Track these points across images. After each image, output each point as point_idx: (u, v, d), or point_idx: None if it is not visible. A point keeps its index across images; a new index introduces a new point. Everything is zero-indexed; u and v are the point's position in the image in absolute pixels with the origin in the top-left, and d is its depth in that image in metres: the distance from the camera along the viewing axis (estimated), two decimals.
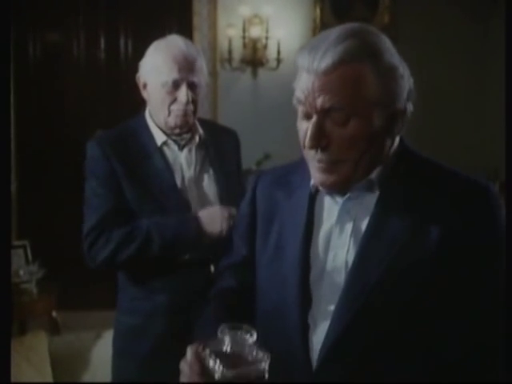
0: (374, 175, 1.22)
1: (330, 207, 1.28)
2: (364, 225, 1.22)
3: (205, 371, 1.09)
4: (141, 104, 2.17)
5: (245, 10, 4.86)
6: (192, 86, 2.01)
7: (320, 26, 5.08)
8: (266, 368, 1.08)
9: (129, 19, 5.01)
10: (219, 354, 1.09)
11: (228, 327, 1.10)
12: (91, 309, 4.28)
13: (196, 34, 4.89)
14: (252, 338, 1.09)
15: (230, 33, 4.89)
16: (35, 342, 2.79)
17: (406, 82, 1.20)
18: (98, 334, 2.92)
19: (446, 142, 4.75)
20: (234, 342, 1.09)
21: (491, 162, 4.42)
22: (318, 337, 1.22)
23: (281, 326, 1.27)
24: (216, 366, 1.08)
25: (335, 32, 1.17)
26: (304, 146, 1.21)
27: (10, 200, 4.39)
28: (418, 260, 1.17)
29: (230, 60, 4.95)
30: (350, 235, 1.23)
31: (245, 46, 4.96)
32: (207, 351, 1.10)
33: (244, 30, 4.91)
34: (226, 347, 1.09)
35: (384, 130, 1.19)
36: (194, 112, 2.05)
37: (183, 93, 1.98)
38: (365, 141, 1.17)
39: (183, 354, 2.11)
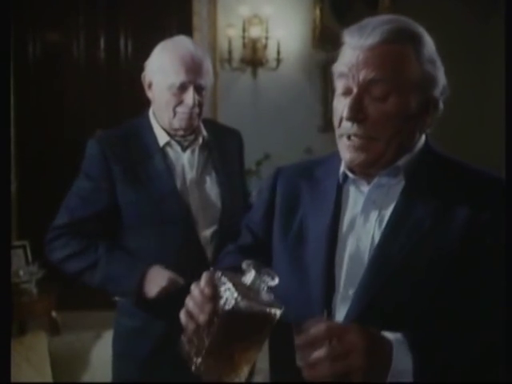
0: (400, 162, 1.26)
1: (356, 197, 1.31)
2: (388, 213, 1.26)
3: (216, 298, 1.09)
4: (141, 104, 2.16)
5: (244, 10, 4.86)
6: (198, 89, 1.99)
7: (320, 27, 5.08)
8: (277, 317, 1.08)
9: (128, 19, 5.00)
10: (236, 284, 1.08)
11: (253, 263, 1.10)
12: (91, 309, 4.27)
13: (196, 34, 4.88)
14: (273, 282, 1.09)
15: (230, 33, 4.88)
16: (35, 343, 2.79)
17: (442, 76, 1.27)
18: (97, 334, 2.92)
19: (446, 141, 4.75)
20: (255, 278, 1.09)
21: (491, 162, 4.42)
22: (339, 318, 1.24)
23: (301, 311, 1.27)
24: (230, 295, 1.06)
25: (384, 16, 1.27)
26: (339, 124, 1.25)
27: (10, 200, 4.38)
28: (439, 248, 1.20)
29: (229, 60, 4.95)
30: (375, 223, 1.27)
31: (244, 46, 4.96)
32: (224, 278, 1.09)
33: (244, 30, 4.91)
34: (247, 281, 1.09)
35: (418, 114, 1.24)
36: (199, 114, 2.03)
37: (190, 96, 1.97)
38: (399, 120, 1.22)
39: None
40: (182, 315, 1.15)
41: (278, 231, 1.39)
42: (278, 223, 1.40)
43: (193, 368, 1.09)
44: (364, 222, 1.28)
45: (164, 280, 1.89)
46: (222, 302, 1.07)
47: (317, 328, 1.06)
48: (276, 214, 1.41)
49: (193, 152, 2.09)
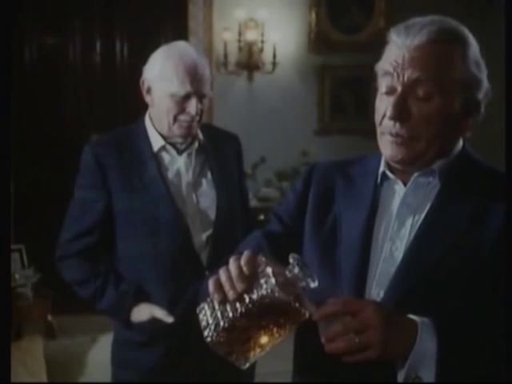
0: (435, 166, 1.26)
1: (392, 199, 1.31)
2: (422, 217, 1.26)
3: (251, 278, 1.06)
4: (137, 107, 2.16)
5: (240, 14, 4.87)
6: (201, 98, 1.98)
7: (315, 30, 5.10)
8: (305, 318, 1.07)
9: (124, 23, 5.01)
10: (276, 274, 1.06)
11: (300, 259, 1.08)
12: (87, 313, 4.24)
13: (191, 38, 4.88)
14: (313, 284, 1.07)
15: (226, 36, 4.89)
16: (31, 347, 2.78)
17: (486, 80, 1.26)
18: (93, 338, 2.91)
19: None
20: (297, 273, 1.07)
21: (491, 162, 4.42)
22: None
23: None
24: (268, 281, 1.04)
25: (429, 17, 1.24)
26: (381, 122, 1.25)
27: (10, 204, 4.37)
28: (471, 253, 1.19)
29: (225, 64, 4.96)
30: (410, 228, 1.26)
31: (240, 49, 4.97)
32: (266, 263, 1.08)
33: (240, 34, 4.92)
34: (288, 273, 1.07)
35: (460, 116, 1.24)
36: (199, 121, 2.03)
37: (193, 105, 1.95)
38: (442, 121, 1.21)
39: (185, 365, 2.09)
40: (211, 283, 1.10)
41: (309, 226, 1.38)
42: (311, 218, 1.38)
43: (205, 338, 1.07)
44: (398, 227, 1.27)
45: (147, 321, 2.02)
46: (257, 285, 1.05)
47: (334, 303, 1.07)
48: (309, 208, 1.40)
49: (189, 155, 2.08)
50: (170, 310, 2.00)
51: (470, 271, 1.18)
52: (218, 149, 2.14)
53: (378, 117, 1.27)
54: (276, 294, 1.04)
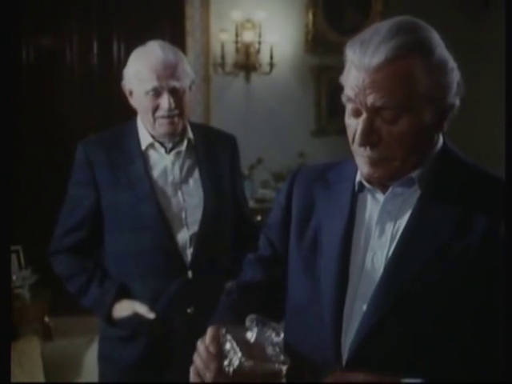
0: (414, 174, 1.21)
1: (371, 207, 1.27)
2: (403, 224, 1.22)
3: (221, 356, 1.08)
4: (133, 109, 2.17)
5: (237, 15, 4.87)
6: (173, 92, 1.99)
7: (312, 31, 5.11)
8: (284, 372, 1.06)
9: (121, 24, 5.01)
10: (241, 342, 1.07)
11: (257, 319, 1.08)
12: (83, 314, 4.23)
13: (189, 39, 4.89)
14: (278, 338, 1.07)
15: (223, 37, 4.90)
16: (28, 348, 2.78)
17: (455, 75, 1.19)
18: (90, 339, 2.91)
19: None
20: (259, 334, 1.07)
21: (487, 163, 4.43)
22: (350, 333, 1.21)
23: (312, 322, 1.25)
24: (234, 355, 1.05)
25: (386, 25, 1.15)
26: (353, 142, 1.21)
27: (11, 205, 4.37)
28: (456, 260, 1.15)
29: (222, 65, 4.96)
30: (390, 236, 1.22)
31: (237, 50, 4.97)
32: (228, 336, 1.08)
33: (237, 35, 4.92)
34: (251, 338, 1.08)
35: (433, 126, 1.18)
36: (181, 116, 2.03)
37: (165, 100, 1.97)
38: (414, 138, 1.15)
39: (168, 363, 2.11)
40: (191, 371, 1.14)
41: (294, 239, 1.36)
42: (294, 231, 1.36)
43: None
44: (379, 235, 1.23)
45: (129, 316, 2.03)
46: (226, 361, 1.07)
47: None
48: (293, 220, 1.37)
49: (178, 154, 2.09)
50: (152, 307, 2.01)
51: (455, 280, 1.15)
52: (209, 148, 2.15)
53: (349, 134, 1.22)
54: (246, 365, 1.05)
